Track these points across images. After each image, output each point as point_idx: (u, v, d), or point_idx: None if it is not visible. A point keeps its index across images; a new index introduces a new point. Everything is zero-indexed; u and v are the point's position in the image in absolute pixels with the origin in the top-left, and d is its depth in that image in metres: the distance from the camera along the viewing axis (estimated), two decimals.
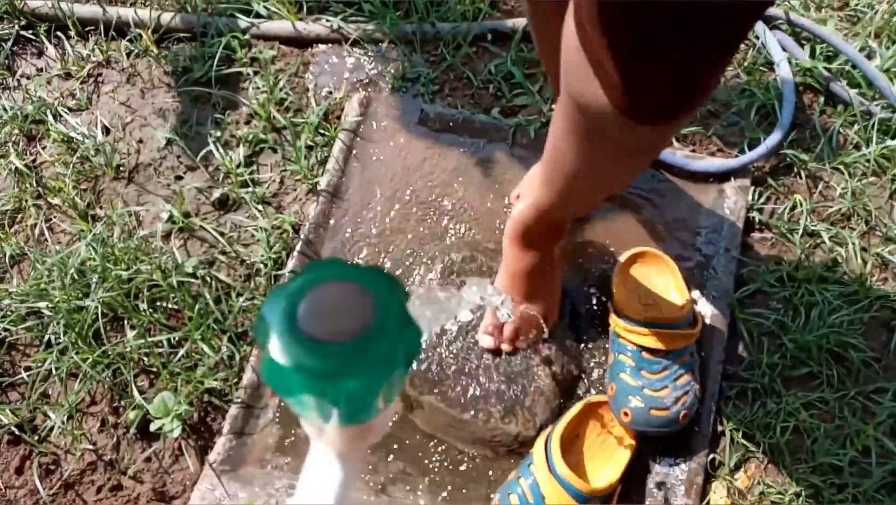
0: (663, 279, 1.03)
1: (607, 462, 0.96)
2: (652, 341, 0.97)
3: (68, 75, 1.32)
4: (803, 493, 0.97)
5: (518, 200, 1.13)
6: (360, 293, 0.35)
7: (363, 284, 0.35)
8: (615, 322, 1.01)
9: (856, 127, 1.20)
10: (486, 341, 1.04)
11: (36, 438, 1.04)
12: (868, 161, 1.18)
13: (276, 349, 0.34)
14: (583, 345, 1.06)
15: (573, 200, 0.89)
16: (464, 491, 0.98)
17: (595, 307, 1.08)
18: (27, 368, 1.08)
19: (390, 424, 0.43)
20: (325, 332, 0.34)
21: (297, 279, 0.35)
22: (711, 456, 0.99)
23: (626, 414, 0.95)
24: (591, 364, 1.05)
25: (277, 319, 0.34)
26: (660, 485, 0.97)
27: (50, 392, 1.08)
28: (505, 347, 1.04)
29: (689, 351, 0.99)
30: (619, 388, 0.97)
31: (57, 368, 1.06)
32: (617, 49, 0.58)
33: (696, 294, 1.07)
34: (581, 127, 0.70)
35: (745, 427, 1.00)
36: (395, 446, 1.01)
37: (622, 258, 1.05)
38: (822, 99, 1.23)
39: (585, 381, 1.04)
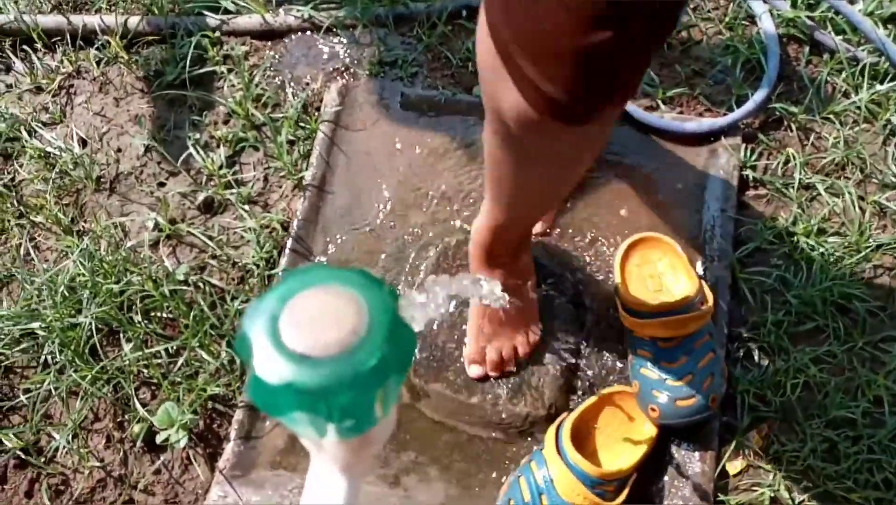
0: (667, 262, 1.00)
1: (622, 453, 0.94)
2: (665, 331, 0.94)
3: (39, 89, 1.29)
4: (818, 448, 0.97)
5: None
6: (346, 299, 0.32)
7: (348, 289, 0.33)
8: (625, 318, 0.97)
9: (843, 74, 1.18)
10: (475, 371, 1.01)
11: (42, 459, 1.03)
12: (858, 108, 1.16)
13: (261, 366, 0.31)
14: (585, 316, 1.05)
15: (524, 212, 0.86)
16: (478, 476, 0.98)
17: (592, 279, 1.06)
18: (26, 391, 1.07)
19: (392, 428, 0.41)
20: (311, 344, 0.31)
21: (277, 288, 0.33)
22: (724, 419, 0.98)
23: (653, 410, 0.93)
24: (595, 339, 1.04)
25: (259, 334, 0.32)
26: (673, 452, 0.96)
27: (52, 412, 1.06)
28: (492, 373, 1.01)
29: (706, 331, 0.96)
30: (642, 384, 0.95)
31: (56, 388, 1.05)
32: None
33: (696, 258, 1.05)
34: (508, 136, 0.68)
35: (756, 387, 0.99)
36: (406, 437, 1.00)
37: (620, 249, 1.01)
38: (807, 49, 1.21)
39: (590, 359, 1.03)
